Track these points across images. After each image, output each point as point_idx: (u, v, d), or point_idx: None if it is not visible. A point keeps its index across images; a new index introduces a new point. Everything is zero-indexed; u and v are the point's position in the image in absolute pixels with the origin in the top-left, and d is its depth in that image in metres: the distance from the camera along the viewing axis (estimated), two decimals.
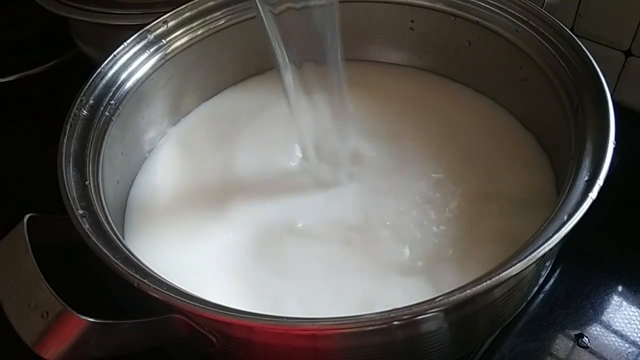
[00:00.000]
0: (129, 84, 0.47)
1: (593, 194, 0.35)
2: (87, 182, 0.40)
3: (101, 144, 0.43)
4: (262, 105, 0.55)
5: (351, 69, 0.52)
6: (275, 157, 0.50)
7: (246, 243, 0.44)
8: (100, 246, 0.35)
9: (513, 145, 0.49)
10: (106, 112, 0.45)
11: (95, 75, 0.45)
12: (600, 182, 0.36)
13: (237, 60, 0.57)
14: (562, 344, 0.44)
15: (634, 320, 0.45)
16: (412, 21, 0.55)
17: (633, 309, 0.46)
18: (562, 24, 0.45)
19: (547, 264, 0.42)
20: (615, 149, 0.37)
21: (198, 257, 0.44)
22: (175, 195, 0.48)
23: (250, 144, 0.52)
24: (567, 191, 0.36)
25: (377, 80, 0.57)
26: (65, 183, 0.39)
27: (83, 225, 0.36)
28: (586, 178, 0.36)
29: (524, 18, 0.47)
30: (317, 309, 0.40)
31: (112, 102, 0.45)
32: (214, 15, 0.52)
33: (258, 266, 0.43)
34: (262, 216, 0.46)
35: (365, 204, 0.46)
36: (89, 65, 0.46)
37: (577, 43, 0.44)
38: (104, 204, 0.40)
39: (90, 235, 0.36)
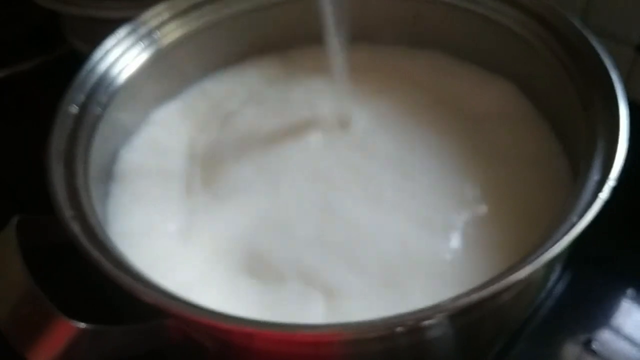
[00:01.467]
0: (120, 80, 0.46)
1: (604, 195, 0.34)
2: (77, 182, 0.39)
3: (92, 143, 0.43)
4: (260, 94, 0.54)
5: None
6: (272, 148, 0.50)
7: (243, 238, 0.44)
8: (91, 249, 0.34)
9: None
10: (97, 109, 0.44)
11: (84, 70, 0.45)
12: (611, 182, 0.35)
13: (232, 53, 0.56)
14: (571, 349, 0.44)
15: None
16: (417, 15, 0.54)
17: None
18: (571, 18, 0.45)
19: (556, 267, 0.42)
20: (627, 148, 0.36)
21: (187, 254, 0.43)
22: (165, 190, 0.47)
23: (248, 136, 0.51)
24: (577, 191, 0.36)
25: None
26: (55, 183, 0.38)
27: (73, 227, 0.36)
28: (597, 178, 0.36)
29: (532, 12, 0.47)
30: None
31: (104, 98, 0.45)
32: (208, 7, 0.52)
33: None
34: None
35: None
36: (81, 61, 0.46)
37: (586, 37, 0.43)
38: (94, 204, 0.39)
39: (80, 237, 0.35)
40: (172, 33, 0.50)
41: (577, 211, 0.34)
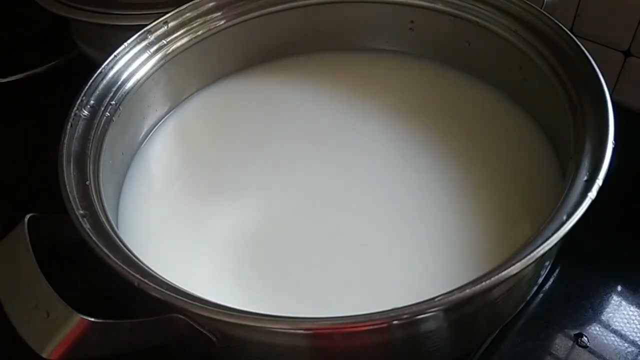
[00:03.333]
0: (129, 84, 0.47)
1: (592, 194, 0.35)
2: (87, 182, 0.40)
3: (102, 144, 0.43)
4: (263, 100, 0.55)
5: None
6: (274, 151, 0.51)
7: (243, 235, 0.45)
8: (101, 246, 0.35)
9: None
10: (107, 113, 0.45)
11: (95, 75, 0.45)
12: (599, 182, 0.35)
13: (237, 60, 0.57)
14: (561, 343, 0.44)
15: (633, 320, 0.45)
16: (412, 21, 0.55)
17: (632, 308, 0.46)
18: (561, 24, 0.45)
19: (547, 263, 0.42)
20: (614, 149, 0.37)
21: (194, 251, 0.44)
22: (172, 190, 0.49)
23: (251, 139, 0.52)
24: (566, 191, 0.36)
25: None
26: (66, 183, 0.39)
27: (84, 225, 0.36)
28: (585, 178, 0.36)
29: (523, 18, 0.47)
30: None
31: (113, 102, 0.46)
32: (215, 15, 0.52)
33: (255, 260, 0.43)
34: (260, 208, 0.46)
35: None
36: (90, 66, 0.47)
37: (576, 43, 0.44)
38: (104, 204, 0.40)
39: (91, 235, 0.36)
40: (179, 40, 0.51)
41: (567, 210, 0.35)
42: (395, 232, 0.44)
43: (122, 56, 0.47)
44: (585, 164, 0.37)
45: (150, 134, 0.52)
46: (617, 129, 0.38)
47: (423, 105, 0.53)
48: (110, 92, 0.46)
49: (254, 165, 0.50)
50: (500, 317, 0.41)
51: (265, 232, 0.45)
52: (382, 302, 0.40)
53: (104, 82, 0.46)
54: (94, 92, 0.45)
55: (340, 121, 0.53)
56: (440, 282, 0.39)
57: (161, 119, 0.53)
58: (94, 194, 0.40)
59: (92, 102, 0.44)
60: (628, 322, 0.45)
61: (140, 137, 0.51)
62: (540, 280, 0.43)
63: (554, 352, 0.44)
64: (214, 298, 0.33)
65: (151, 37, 0.49)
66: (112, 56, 0.47)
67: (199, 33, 0.52)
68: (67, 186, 0.39)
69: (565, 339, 0.44)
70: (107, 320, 0.32)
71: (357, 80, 0.56)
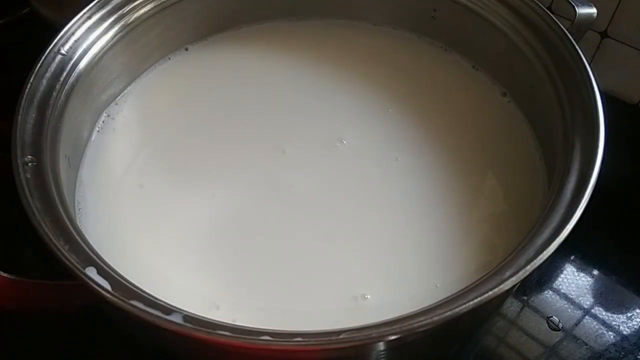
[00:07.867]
0: (88, 56, 0.44)
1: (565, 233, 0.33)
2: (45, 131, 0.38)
3: (61, 117, 0.41)
4: (227, 67, 0.52)
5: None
6: (239, 125, 0.48)
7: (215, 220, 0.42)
8: (32, 203, 0.34)
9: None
10: (66, 85, 0.42)
11: (53, 44, 0.42)
12: (574, 221, 0.34)
13: (201, 28, 0.53)
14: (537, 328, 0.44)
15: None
16: (435, 10, 0.52)
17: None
18: (565, 29, 0.43)
19: None
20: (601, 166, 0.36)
21: (161, 237, 0.42)
22: (133, 168, 0.46)
23: (216, 113, 0.49)
24: (546, 210, 0.35)
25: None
26: (19, 126, 0.37)
27: (21, 174, 0.35)
28: (562, 212, 0.35)
29: (529, 19, 0.45)
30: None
31: (72, 75, 0.43)
32: None
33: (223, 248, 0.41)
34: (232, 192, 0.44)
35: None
36: (43, 25, 0.44)
37: (575, 48, 0.42)
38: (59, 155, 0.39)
39: (25, 185, 0.34)
40: (140, 8, 0.47)
41: (535, 247, 0.33)
42: (372, 221, 0.42)
43: (82, 24, 0.44)
44: (571, 183, 0.36)
45: (112, 104, 0.49)
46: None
47: (417, 88, 0.50)
48: (69, 64, 0.43)
49: (218, 140, 0.47)
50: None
51: (227, 213, 0.42)
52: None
53: (63, 51, 0.42)
54: (52, 62, 0.42)
55: (315, 93, 0.49)
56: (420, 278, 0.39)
57: (124, 87, 0.50)
58: (48, 144, 0.38)
59: (50, 71, 0.41)
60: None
61: (101, 108, 0.48)
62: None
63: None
64: (179, 280, 0.35)
65: (110, 6, 0.45)
66: (70, 23, 0.43)
67: (162, 1, 0.48)
68: (19, 131, 0.37)
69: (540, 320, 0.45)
70: (20, 278, 0.33)
71: (338, 52, 0.53)
